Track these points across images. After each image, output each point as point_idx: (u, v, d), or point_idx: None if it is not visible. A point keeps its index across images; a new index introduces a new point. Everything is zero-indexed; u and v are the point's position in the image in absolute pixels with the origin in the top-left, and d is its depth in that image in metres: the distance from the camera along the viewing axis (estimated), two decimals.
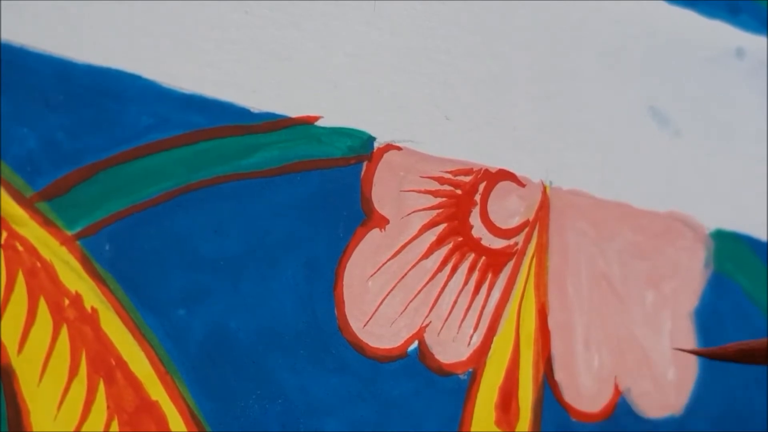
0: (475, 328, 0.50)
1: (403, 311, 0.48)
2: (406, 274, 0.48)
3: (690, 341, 0.57)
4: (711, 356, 0.52)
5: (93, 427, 0.41)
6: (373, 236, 0.48)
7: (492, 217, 0.51)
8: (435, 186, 0.49)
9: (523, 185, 0.52)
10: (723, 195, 0.59)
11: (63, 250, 0.41)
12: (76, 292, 0.41)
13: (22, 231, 0.40)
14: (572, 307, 0.53)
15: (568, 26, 0.54)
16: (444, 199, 0.50)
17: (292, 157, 0.46)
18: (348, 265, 0.47)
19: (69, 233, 0.41)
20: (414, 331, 0.48)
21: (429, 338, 0.49)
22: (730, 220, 0.59)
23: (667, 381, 0.56)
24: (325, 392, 0.46)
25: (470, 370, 0.50)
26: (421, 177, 0.49)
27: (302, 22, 0.47)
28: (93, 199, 0.41)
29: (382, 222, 0.48)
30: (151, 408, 0.42)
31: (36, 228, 0.40)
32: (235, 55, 0.45)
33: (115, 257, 0.42)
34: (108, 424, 0.41)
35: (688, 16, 0.58)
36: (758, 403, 0.58)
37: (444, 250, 0.49)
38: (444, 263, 0.49)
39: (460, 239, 0.50)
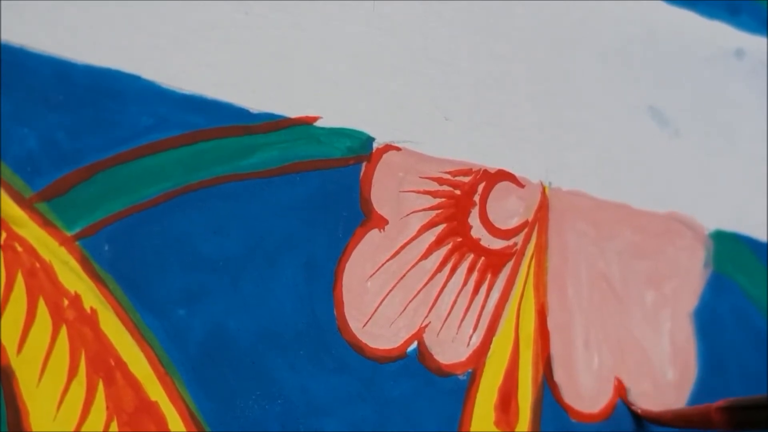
0: (475, 329, 0.50)
1: (403, 312, 0.48)
2: (405, 275, 0.48)
3: (690, 341, 0.57)
4: (651, 420, 0.53)
5: (92, 427, 0.41)
6: (373, 237, 0.48)
7: (491, 217, 0.51)
8: (434, 186, 0.49)
9: (522, 186, 0.52)
10: (723, 195, 0.59)
11: (62, 251, 0.41)
12: (76, 293, 0.41)
13: (21, 231, 0.40)
14: (572, 308, 0.53)
15: (568, 26, 0.54)
16: (443, 199, 0.50)
17: (292, 158, 0.46)
18: (347, 265, 0.47)
19: (68, 234, 0.41)
20: (413, 332, 0.48)
21: (428, 339, 0.49)
22: (730, 221, 0.59)
23: (667, 381, 0.56)
24: (324, 392, 0.46)
25: (469, 370, 0.50)
26: (421, 177, 0.49)
27: (302, 22, 0.47)
28: (92, 200, 0.41)
29: (382, 222, 0.48)
30: (150, 408, 0.42)
31: (35, 228, 0.40)
32: (235, 55, 0.45)
33: (114, 258, 0.42)
34: (107, 425, 0.41)
35: (688, 16, 0.58)
36: None
37: (443, 251, 0.49)
38: (443, 264, 0.49)
39: (459, 240, 0.50)
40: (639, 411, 0.54)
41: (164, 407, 0.42)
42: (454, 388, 0.49)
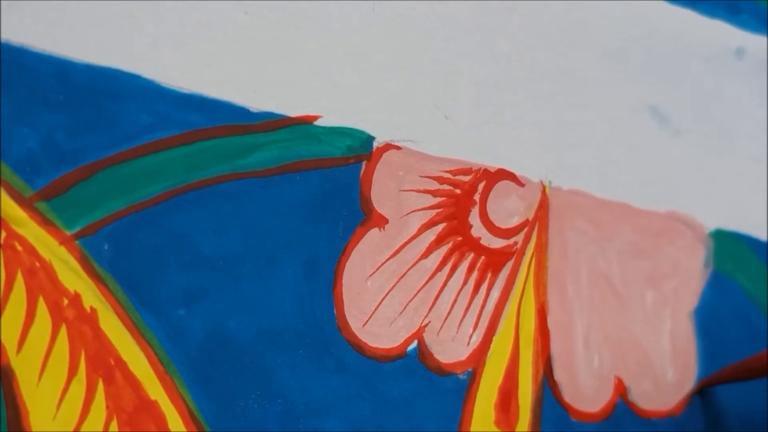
0: (475, 328, 0.50)
1: (403, 311, 0.48)
2: (405, 274, 0.48)
3: (690, 341, 0.57)
4: (711, 384, 0.54)
5: (92, 426, 0.41)
6: (373, 236, 0.48)
7: (491, 216, 0.51)
8: (434, 185, 0.49)
9: (522, 185, 0.52)
10: (723, 195, 0.59)
11: (62, 250, 0.41)
12: (75, 292, 0.41)
13: (21, 231, 0.40)
14: (572, 307, 0.53)
15: (568, 26, 0.54)
16: (443, 198, 0.50)
17: (292, 157, 0.46)
18: (347, 264, 0.47)
19: (68, 233, 0.41)
20: (413, 331, 0.48)
21: (428, 338, 0.49)
22: (730, 220, 0.59)
23: (667, 381, 0.56)
24: (324, 392, 0.46)
25: (470, 369, 0.50)
26: (421, 176, 0.49)
27: (302, 22, 0.47)
28: (92, 199, 0.41)
29: (382, 222, 0.48)
30: (150, 408, 0.42)
31: (35, 228, 0.40)
32: (234, 55, 0.45)
33: (114, 257, 0.42)
34: (107, 424, 0.41)
35: (688, 16, 0.58)
36: (758, 403, 0.58)
37: (443, 250, 0.49)
38: (443, 263, 0.49)
39: (460, 239, 0.50)
40: (698, 386, 0.54)
41: (164, 406, 0.42)
42: (455, 388, 0.49)
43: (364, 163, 0.48)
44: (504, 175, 0.51)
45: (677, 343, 0.56)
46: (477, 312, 0.50)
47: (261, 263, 0.45)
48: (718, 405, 0.57)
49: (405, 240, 0.48)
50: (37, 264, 0.40)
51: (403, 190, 0.49)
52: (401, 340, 0.48)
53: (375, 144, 0.48)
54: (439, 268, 0.49)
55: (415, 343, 0.48)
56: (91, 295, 0.41)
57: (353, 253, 0.47)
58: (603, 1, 0.55)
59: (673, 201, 0.57)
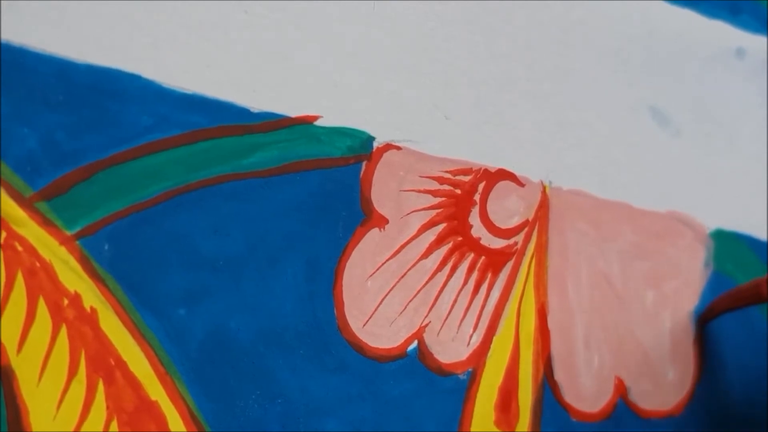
0: (475, 328, 0.50)
1: (403, 311, 0.48)
2: (405, 274, 0.48)
3: (690, 341, 0.57)
4: (711, 316, 0.54)
5: (92, 427, 0.41)
6: (373, 236, 0.48)
7: (491, 216, 0.51)
8: (434, 186, 0.49)
9: (522, 185, 0.52)
10: (723, 195, 0.59)
11: (62, 250, 0.41)
12: (76, 292, 0.41)
13: (21, 231, 0.40)
14: (572, 307, 0.53)
15: (568, 26, 0.54)
16: (443, 198, 0.50)
17: (292, 157, 0.46)
18: (347, 264, 0.47)
19: (68, 233, 0.41)
20: (413, 331, 0.48)
21: (428, 338, 0.49)
22: (730, 220, 0.59)
23: (667, 381, 0.56)
24: (325, 392, 0.46)
25: (470, 370, 0.50)
26: (421, 177, 0.49)
27: (302, 22, 0.47)
28: (92, 199, 0.41)
29: (382, 222, 0.48)
30: (150, 408, 0.42)
31: (35, 228, 0.40)
32: (235, 55, 0.45)
33: (114, 257, 0.42)
34: (107, 424, 0.41)
35: (688, 16, 0.58)
36: (758, 403, 0.58)
37: (443, 250, 0.49)
38: (443, 263, 0.49)
39: (460, 239, 0.50)
40: (699, 324, 0.55)
41: (164, 407, 0.42)
42: (455, 388, 0.49)
43: (364, 164, 0.48)
44: (504, 175, 0.51)
45: (677, 343, 0.56)
46: (477, 312, 0.50)
47: (261, 263, 0.45)
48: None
49: (405, 240, 0.48)
50: (38, 264, 0.40)
51: (404, 191, 0.49)
52: (401, 341, 0.48)
53: (375, 144, 0.48)
54: (440, 269, 0.49)
55: (415, 344, 0.48)
56: (91, 296, 0.41)
57: (353, 253, 0.47)
58: (603, 1, 0.55)
59: (673, 201, 0.57)
